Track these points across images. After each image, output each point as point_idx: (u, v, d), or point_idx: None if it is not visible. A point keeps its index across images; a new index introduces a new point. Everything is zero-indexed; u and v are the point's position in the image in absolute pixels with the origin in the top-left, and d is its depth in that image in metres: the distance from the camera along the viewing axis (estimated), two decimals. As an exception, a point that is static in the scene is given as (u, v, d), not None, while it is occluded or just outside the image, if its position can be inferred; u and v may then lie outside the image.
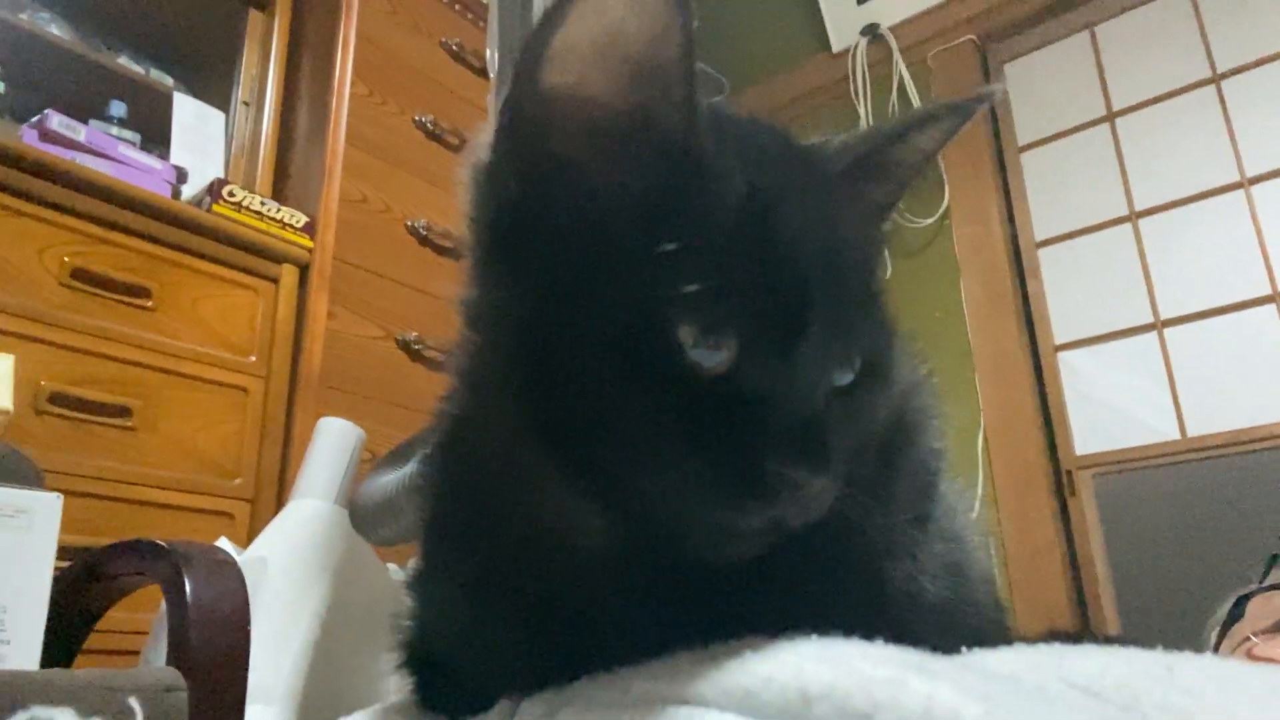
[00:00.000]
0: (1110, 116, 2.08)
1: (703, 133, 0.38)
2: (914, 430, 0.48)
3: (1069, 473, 1.95)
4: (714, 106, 0.41)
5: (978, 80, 2.25)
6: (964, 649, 0.39)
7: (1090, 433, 1.95)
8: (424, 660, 0.48)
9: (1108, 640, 0.43)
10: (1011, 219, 2.18)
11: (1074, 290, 2.06)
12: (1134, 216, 2.01)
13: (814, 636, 0.36)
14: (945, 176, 2.22)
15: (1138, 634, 1.79)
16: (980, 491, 1.98)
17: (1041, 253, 2.12)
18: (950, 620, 0.45)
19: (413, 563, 0.50)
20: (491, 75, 1.12)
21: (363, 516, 0.92)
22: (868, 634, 0.36)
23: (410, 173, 1.76)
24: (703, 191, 0.38)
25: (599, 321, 0.37)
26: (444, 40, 1.89)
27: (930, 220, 2.22)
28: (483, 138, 0.42)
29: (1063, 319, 2.06)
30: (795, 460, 0.36)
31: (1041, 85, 2.21)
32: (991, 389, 2.05)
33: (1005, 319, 2.08)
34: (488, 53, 1.12)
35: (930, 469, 0.49)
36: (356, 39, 1.73)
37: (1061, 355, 2.03)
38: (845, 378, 0.40)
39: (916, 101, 2.31)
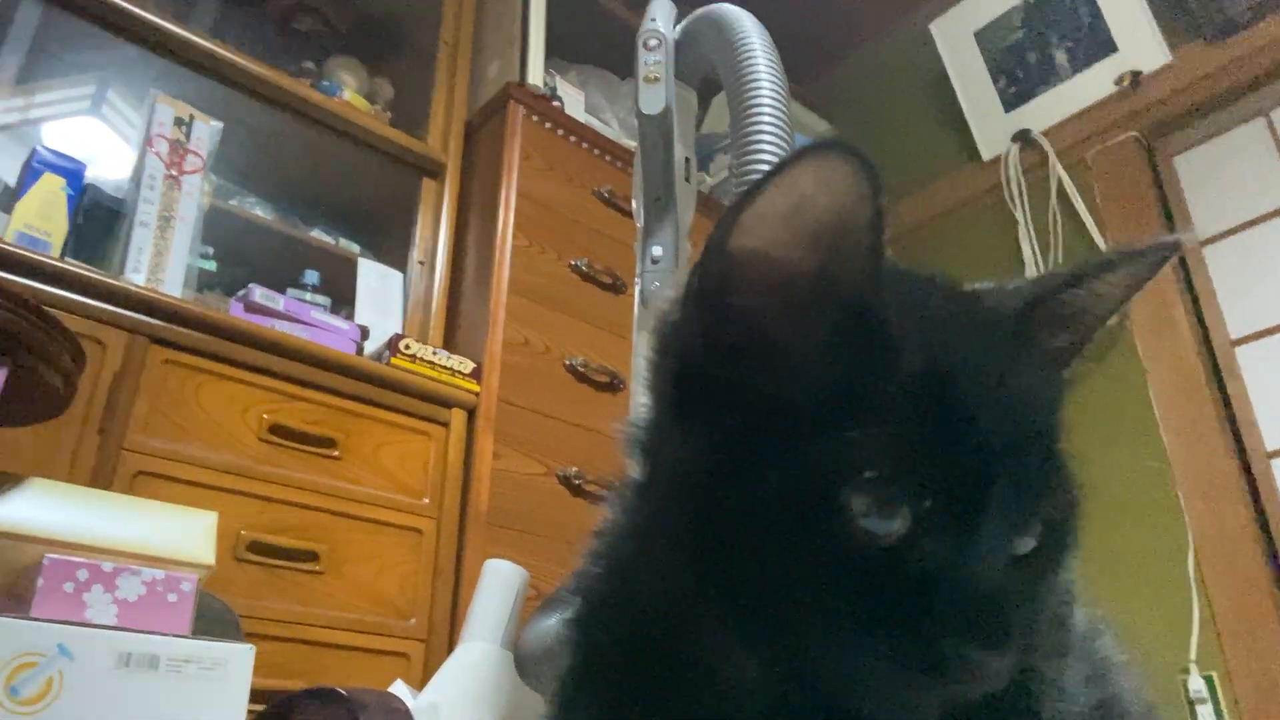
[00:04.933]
0: (1301, 202, 1.93)
1: (884, 299, 0.38)
2: None
3: (1302, 596, 1.72)
4: (892, 267, 0.42)
5: (1144, 177, 2.15)
6: None
7: (1322, 550, 1.73)
8: None
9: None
10: (1200, 318, 2.02)
11: (1283, 391, 1.87)
12: (1344, 306, 1.83)
13: None
14: (1119, 277, 2.11)
15: None
16: (1197, 620, 1.78)
17: (1239, 351, 1.95)
18: None
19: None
20: (638, 222, 1.17)
21: (526, 663, 0.93)
22: None
23: (567, 313, 1.85)
24: (881, 359, 0.38)
25: (774, 481, 0.37)
26: (596, 189, 2.00)
27: (1107, 324, 2.09)
28: (669, 293, 0.44)
29: (1273, 423, 1.86)
30: (973, 639, 0.35)
31: (1218, 177, 2.08)
32: (1199, 504, 1.86)
33: (1206, 426, 1.90)
34: (634, 202, 1.18)
35: (1061, 599, 0.46)
36: (517, 196, 1.86)
37: (1275, 462, 1.83)
38: (1026, 545, 0.38)
39: (1079, 203, 2.22)
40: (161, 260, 1.50)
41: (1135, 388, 2.01)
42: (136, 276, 1.45)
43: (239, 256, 1.79)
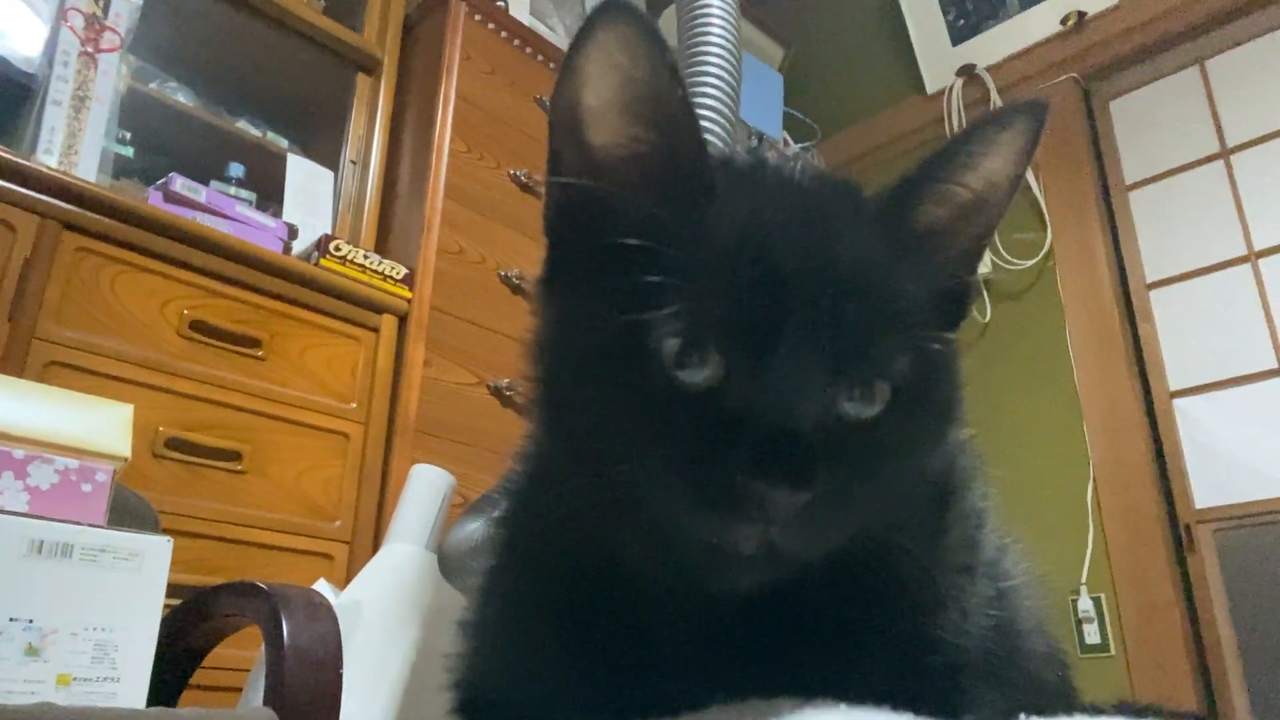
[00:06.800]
0: (1224, 153, 1.99)
1: (711, 167, 0.42)
2: (960, 486, 0.48)
3: (1187, 527, 1.84)
4: (756, 154, 0.46)
5: (1080, 119, 2.19)
6: (1020, 712, 0.39)
7: (1210, 485, 1.84)
8: (479, 702, 0.50)
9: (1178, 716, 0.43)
10: (1120, 261, 2.09)
11: (1189, 334, 1.96)
12: (1253, 256, 1.91)
13: (843, 706, 0.37)
14: (1047, 217, 2.16)
15: (1265, 697, 1.66)
16: (1091, 546, 1.89)
17: (1153, 295, 2.03)
18: (999, 672, 0.45)
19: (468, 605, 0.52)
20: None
21: (450, 563, 0.94)
22: (910, 691, 0.36)
23: (505, 224, 1.82)
24: (701, 220, 0.40)
25: (602, 341, 0.40)
26: (539, 97, 1.95)
27: (1032, 262, 2.15)
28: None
29: (1178, 365, 1.95)
30: (762, 474, 0.35)
31: (1149, 122, 2.13)
32: (1102, 438, 1.95)
33: (1116, 365, 1.99)
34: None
35: (974, 522, 0.48)
36: (456, 99, 1.80)
37: (1177, 403, 1.93)
38: (864, 408, 0.39)
39: (1015, 141, 2.26)
40: (75, 142, 1.42)
41: (1054, 325, 2.08)
42: (48, 158, 1.38)
43: (159, 144, 1.71)
